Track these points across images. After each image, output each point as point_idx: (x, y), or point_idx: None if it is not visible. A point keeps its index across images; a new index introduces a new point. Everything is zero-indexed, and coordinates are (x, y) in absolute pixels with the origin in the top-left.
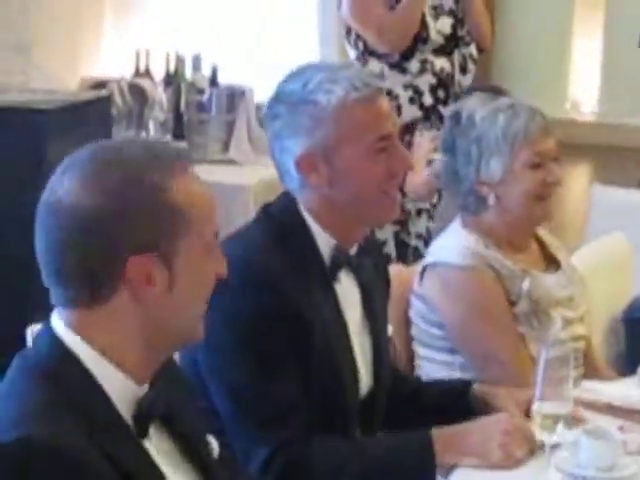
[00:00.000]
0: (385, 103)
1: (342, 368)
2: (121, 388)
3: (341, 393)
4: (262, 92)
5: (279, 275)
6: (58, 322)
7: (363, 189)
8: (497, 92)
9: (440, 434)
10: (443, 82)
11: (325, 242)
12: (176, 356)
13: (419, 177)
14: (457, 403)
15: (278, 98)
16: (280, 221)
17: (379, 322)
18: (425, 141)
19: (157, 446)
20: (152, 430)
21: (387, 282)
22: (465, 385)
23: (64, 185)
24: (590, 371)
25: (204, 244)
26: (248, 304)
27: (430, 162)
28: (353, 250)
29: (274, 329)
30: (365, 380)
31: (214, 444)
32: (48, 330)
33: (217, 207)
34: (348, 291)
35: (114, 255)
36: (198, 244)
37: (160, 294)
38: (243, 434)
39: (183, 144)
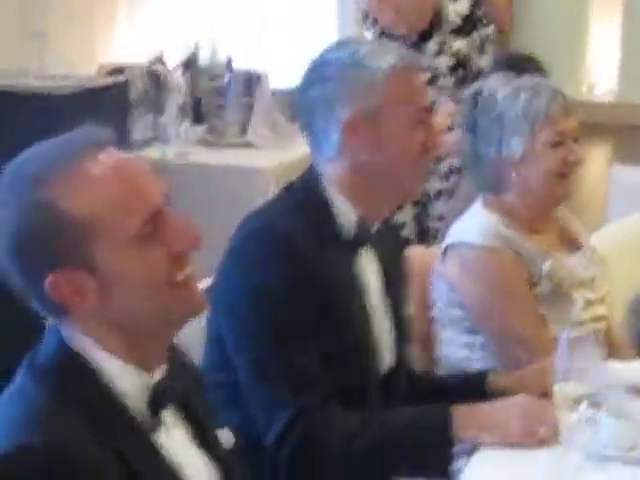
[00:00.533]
0: (423, 78)
1: (363, 342)
2: (131, 379)
3: (362, 367)
4: (277, 78)
5: (302, 247)
6: None
7: (401, 155)
8: (528, 60)
9: (461, 409)
10: (461, 63)
11: (348, 217)
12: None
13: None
14: (474, 392)
15: (325, 64)
16: (303, 196)
17: (398, 301)
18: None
19: (172, 434)
20: (167, 417)
21: (404, 267)
22: (482, 374)
23: None
24: (610, 350)
25: (130, 236)
26: (272, 276)
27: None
28: (374, 229)
29: (297, 301)
30: (386, 356)
31: (231, 435)
32: (55, 330)
33: (153, 181)
34: (368, 267)
35: (30, 279)
36: (118, 239)
37: (99, 300)
38: (265, 403)
39: (200, 128)
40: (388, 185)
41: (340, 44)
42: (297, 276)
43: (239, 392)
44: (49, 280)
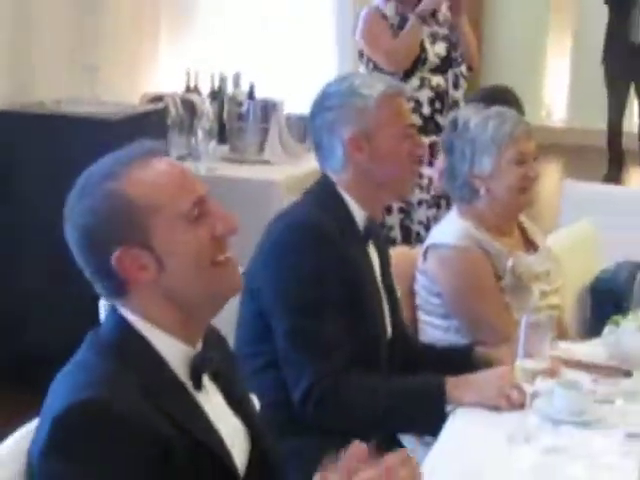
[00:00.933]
0: (406, 102)
1: (377, 317)
2: (176, 351)
3: (376, 336)
4: (290, 104)
5: (330, 236)
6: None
7: (393, 164)
8: (503, 92)
9: (451, 378)
10: (439, 96)
11: (359, 213)
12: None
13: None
14: (462, 362)
15: (327, 96)
16: (323, 198)
17: (391, 284)
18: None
19: (210, 399)
20: (207, 384)
21: (390, 259)
22: (468, 348)
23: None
24: (559, 334)
25: (178, 217)
26: (306, 259)
27: None
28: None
29: (327, 280)
30: (388, 328)
31: (256, 400)
32: (113, 310)
33: (191, 180)
34: (373, 255)
35: (98, 259)
36: (170, 220)
37: (156, 273)
38: (295, 365)
39: (225, 147)
40: (385, 188)
41: (338, 79)
42: (327, 259)
43: (276, 358)
44: (115, 256)
